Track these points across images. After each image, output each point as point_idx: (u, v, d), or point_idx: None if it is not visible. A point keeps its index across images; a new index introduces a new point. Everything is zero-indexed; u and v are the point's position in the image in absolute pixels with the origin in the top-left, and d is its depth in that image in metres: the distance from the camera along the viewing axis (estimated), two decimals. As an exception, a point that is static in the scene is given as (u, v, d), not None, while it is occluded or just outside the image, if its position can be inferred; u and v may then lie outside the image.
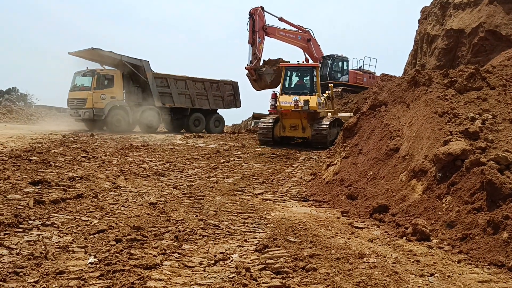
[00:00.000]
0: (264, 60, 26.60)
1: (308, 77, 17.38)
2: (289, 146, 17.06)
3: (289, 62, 24.51)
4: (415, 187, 6.14)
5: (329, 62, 28.06)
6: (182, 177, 9.40)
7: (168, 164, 11.02)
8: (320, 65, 20.75)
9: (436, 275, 3.94)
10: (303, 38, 28.37)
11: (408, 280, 3.79)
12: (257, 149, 15.77)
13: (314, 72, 17.13)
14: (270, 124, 17.06)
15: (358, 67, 30.62)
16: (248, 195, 7.66)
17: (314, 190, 7.98)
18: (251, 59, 25.91)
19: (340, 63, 28.59)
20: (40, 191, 6.80)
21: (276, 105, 16.61)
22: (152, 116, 23.39)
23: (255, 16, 25.79)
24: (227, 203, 6.90)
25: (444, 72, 7.94)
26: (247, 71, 26.56)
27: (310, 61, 28.81)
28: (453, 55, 15.64)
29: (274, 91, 17.37)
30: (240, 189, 8.14)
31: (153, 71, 23.66)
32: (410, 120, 7.42)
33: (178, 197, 7.20)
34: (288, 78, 17.82)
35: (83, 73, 22.74)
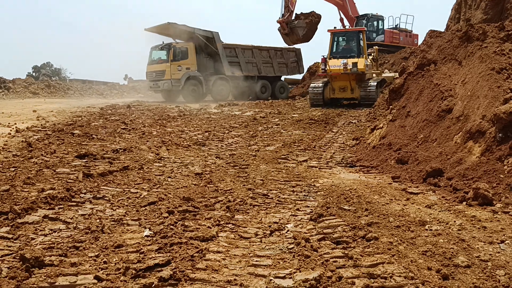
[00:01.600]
0: (296, 13, 25.93)
1: (355, 41, 18.33)
2: (335, 107, 17.66)
3: (320, 16, 24.34)
4: (472, 149, 5.82)
5: (364, 21, 27.08)
6: (222, 146, 9.33)
7: (207, 134, 10.97)
8: (365, 28, 20.97)
9: (507, 241, 3.70)
10: None
11: (478, 248, 3.57)
12: (294, 115, 15.53)
13: (360, 36, 18.16)
14: (320, 87, 18.20)
15: (394, 26, 29.49)
16: (292, 163, 7.50)
17: (359, 156, 7.73)
18: (283, 12, 25.34)
19: (375, 22, 27.62)
20: (86, 164, 6.86)
21: (326, 68, 17.60)
22: (223, 85, 24.99)
23: None
24: (272, 171, 6.77)
25: (499, 25, 7.39)
26: (278, 25, 25.91)
27: (345, 21, 27.92)
28: (501, 7, 14.66)
29: (323, 56, 18.32)
30: (283, 156, 7.99)
31: (223, 42, 24.86)
32: (464, 78, 6.99)
33: (222, 166, 7.12)
34: (335, 43, 18.79)
35: (160, 47, 24.13)
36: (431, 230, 4.01)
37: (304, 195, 5.36)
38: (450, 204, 4.93)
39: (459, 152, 5.96)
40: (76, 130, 10.74)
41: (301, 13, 26.10)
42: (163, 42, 24.50)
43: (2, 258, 3.32)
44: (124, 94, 34.51)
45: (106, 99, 28.52)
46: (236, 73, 25.25)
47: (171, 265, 3.24)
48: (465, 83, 6.92)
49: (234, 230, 4.09)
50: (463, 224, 4.18)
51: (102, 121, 13.20)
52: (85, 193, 5.24)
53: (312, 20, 25.64)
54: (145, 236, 3.89)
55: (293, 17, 25.65)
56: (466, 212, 4.56)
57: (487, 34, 7.34)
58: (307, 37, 25.96)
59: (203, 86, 24.23)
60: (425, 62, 8.04)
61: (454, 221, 4.25)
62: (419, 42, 28.79)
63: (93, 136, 9.96)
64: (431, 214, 4.54)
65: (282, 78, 28.54)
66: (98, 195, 5.19)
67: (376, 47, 19.96)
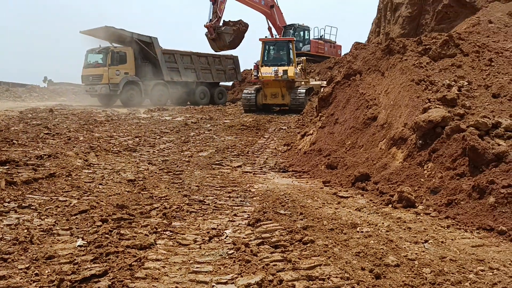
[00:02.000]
0: (224, 20, 26.24)
1: (285, 50, 19.51)
2: (266, 114, 18.50)
3: (248, 24, 25.08)
4: (396, 155, 6.22)
5: (291, 31, 27.89)
6: (154, 152, 9.16)
7: (137, 139, 10.72)
8: (295, 38, 22.20)
9: (430, 241, 4.01)
10: (267, 4, 28.05)
11: (405, 247, 3.83)
12: (225, 121, 15.61)
13: (290, 45, 19.43)
14: (253, 93, 19.20)
15: (319, 37, 30.64)
16: (227, 168, 7.55)
17: (291, 161, 7.95)
18: (211, 17, 25.60)
19: (301, 33, 28.54)
20: (8, 171, 6.41)
21: (258, 75, 18.80)
22: (162, 90, 25.08)
23: None
24: (207, 177, 6.77)
25: (417, 39, 7.98)
26: (206, 30, 26.05)
27: (273, 29, 28.59)
28: (417, 23, 15.81)
29: (255, 63, 19.64)
30: (217, 162, 8.01)
31: (162, 47, 24.95)
32: (386, 88, 7.46)
33: (155, 172, 7.00)
34: (266, 51, 19.86)
35: (97, 51, 23.81)
36: (362, 232, 4.24)
37: (241, 201, 5.43)
38: (378, 206, 5.23)
39: (384, 158, 6.34)
40: (-7, 134, 10.01)
41: (229, 20, 26.46)
42: (100, 45, 24.10)
43: None
44: (45, 98, 32.63)
45: (26, 102, 26.82)
46: (175, 78, 25.54)
47: (108, 275, 3.14)
48: (388, 93, 7.38)
49: (172, 237, 4.05)
50: (390, 225, 4.46)
51: (23, 126, 12.42)
52: (9, 202, 4.91)
53: (239, 28, 26.18)
54: (78, 246, 3.73)
55: (221, 23, 25.94)
56: (392, 214, 4.87)
57: (407, 47, 7.89)
58: (233, 44, 26.41)
59: (141, 91, 24.22)
60: (351, 72, 8.48)
61: (383, 223, 4.53)
62: (342, 53, 30.30)
63: (13, 141, 9.32)
64: (361, 216, 4.79)
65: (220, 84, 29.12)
66: (23, 204, 4.88)
67: (305, 58, 20.97)
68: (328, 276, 3.22)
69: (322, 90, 18.64)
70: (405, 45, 7.87)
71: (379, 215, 4.86)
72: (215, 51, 27.25)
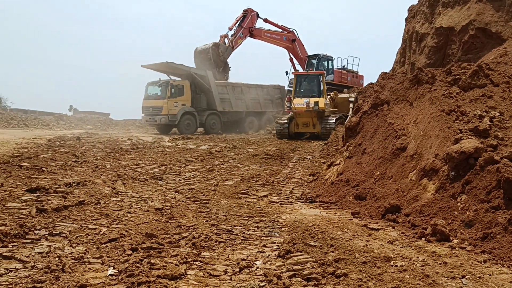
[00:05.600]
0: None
1: (315, 82, 20.93)
2: (293, 140, 19.71)
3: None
4: (427, 187, 6.08)
5: (314, 61, 28.12)
6: (180, 180, 9.20)
7: (163, 167, 10.80)
8: (325, 72, 23.11)
9: (467, 276, 3.86)
10: (288, 39, 28.57)
11: (442, 283, 3.70)
12: (249, 150, 15.64)
13: (320, 78, 20.89)
14: (286, 122, 20.86)
15: (342, 66, 30.77)
16: (253, 198, 7.50)
17: (318, 191, 7.86)
18: (226, 43, 26.82)
19: (325, 62, 28.72)
20: (39, 199, 6.53)
21: (291, 106, 20.38)
22: (215, 119, 27.28)
23: (248, 15, 26.53)
24: (234, 206, 6.73)
25: (447, 69, 7.92)
26: (212, 46, 26.85)
27: (295, 61, 28.95)
28: (443, 53, 15.75)
29: (289, 95, 21.15)
30: (243, 191, 7.98)
31: (215, 80, 26.87)
32: (415, 118, 7.38)
33: (182, 201, 7.00)
34: (298, 83, 21.36)
35: (158, 84, 26.11)
36: (396, 266, 4.11)
37: (269, 231, 5.36)
38: (410, 240, 5.09)
39: (415, 189, 6.20)
40: (24, 162, 10.25)
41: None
42: (159, 79, 26.41)
43: (-47, 302, 3.05)
44: (71, 126, 33.41)
45: (53, 130, 27.46)
46: (227, 108, 27.51)
47: (141, 306, 3.11)
48: (417, 123, 7.29)
49: (202, 268, 4.00)
50: (425, 260, 4.31)
51: (51, 153, 12.70)
52: (39, 230, 4.96)
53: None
54: (109, 275, 3.72)
55: (230, 53, 26.86)
56: (426, 248, 4.72)
57: (436, 77, 7.83)
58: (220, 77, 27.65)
59: (196, 120, 26.39)
60: (379, 102, 8.43)
61: (417, 257, 4.39)
62: (365, 83, 30.32)
63: (42, 168, 9.53)
64: (394, 250, 4.66)
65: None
66: (54, 232, 4.93)
67: (336, 91, 22.07)
68: (364, 312, 3.11)
69: (350, 111, 19.07)
70: (434, 75, 7.82)
71: (412, 249, 4.72)
72: (196, 65, 27.98)
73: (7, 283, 3.42)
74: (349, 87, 28.44)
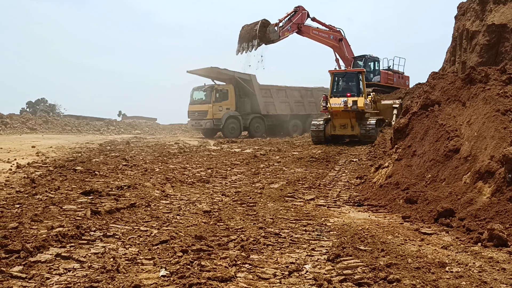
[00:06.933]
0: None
1: (354, 81, 19.09)
2: (335, 145, 18.13)
3: None
4: (482, 190, 5.83)
5: (361, 62, 27.66)
6: (226, 183, 9.28)
7: (210, 171, 10.94)
8: (365, 70, 21.55)
9: (529, 284, 3.66)
10: (335, 38, 28.22)
11: (502, 291, 3.53)
12: (294, 153, 15.58)
13: (360, 76, 18.97)
14: (322, 124, 18.85)
15: (387, 67, 30.10)
16: (300, 201, 7.45)
17: (366, 194, 7.71)
18: (275, 30, 25.89)
19: (371, 64, 28.18)
20: (92, 201, 6.78)
21: (327, 106, 18.38)
22: (259, 123, 27.40)
23: (299, 11, 26.33)
24: (281, 209, 6.72)
25: (501, 68, 7.57)
26: (262, 20, 25.61)
27: (341, 61, 28.57)
28: (496, 51, 15.08)
29: (325, 94, 19.08)
30: (290, 194, 7.95)
31: (259, 84, 27.00)
32: (469, 119, 7.10)
33: (229, 204, 7.06)
34: (336, 82, 19.56)
35: (203, 89, 26.56)
36: (451, 272, 3.96)
37: (317, 235, 5.30)
38: (466, 245, 4.88)
39: (469, 193, 5.96)
40: (78, 166, 10.68)
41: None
42: (204, 84, 26.77)
43: (18, 299, 3.22)
44: (121, 130, 34.55)
45: (104, 135, 28.52)
46: (271, 112, 27.53)
47: (193, 307, 3.15)
48: (470, 124, 7.01)
49: (251, 271, 4.01)
50: (482, 265, 4.13)
51: (103, 158, 13.17)
52: (94, 231, 5.15)
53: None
54: (162, 276, 3.80)
55: (275, 39, 26.18)
56: (483, 254, 4.52)
57: (489, 76, 7.51)
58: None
59: (241, 124, 26.68)
60: (429, 103, 8.17)
61: (474, 263, 4.21)
62: (411, 84, 29.50)
63: (95, 172, 9.90)
64: (449, 255, 4.50)
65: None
66: (108, 233, 5.10)
67: (374, 93, 20.56)
68: (420, 319, 3.01)
69: (394, 117, 18.29)
70: (488, 74, 7.50)
71: (468, 254, 4.53)
72: (238, 39, 26.65)
73: (66, 282, 3.56)
74: (395, 88, 27.76)
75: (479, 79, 7.49)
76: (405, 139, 8.16)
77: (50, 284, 3.53)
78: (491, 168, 5.87)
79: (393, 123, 16.13)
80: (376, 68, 28.16)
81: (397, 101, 20.03)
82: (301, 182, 9.45)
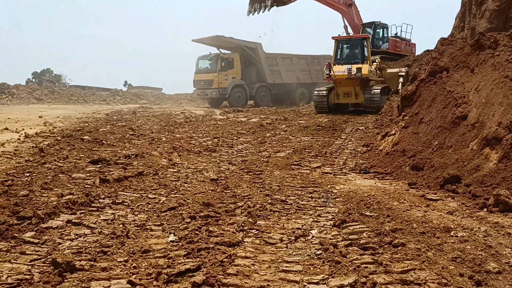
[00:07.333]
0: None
1: (359, 48, 18.49)
2: (342, 114, 17.79)
3: None
4: (489, 156, 5.82)
5: (370, 30, 27.13)
6: (233, 152, 9.32)
7: (216, 140, 10.98)
8: (370, 36, 21.05)
9: (534, 248, 3.69)
10: (345, 3, 27.56)
11: (505, 254, 3.56)
12: (300, 121, 15.54)
13: (364, 43, 18.38)
14: (325, 92, 18.40)
15: (394, 34, 29.57)
16: (306, 169, 7.49)
17: (373, 162, 7.73)
18: None
19: (380, 31, 27.61)
20: (101, 170, 6.86)
21: (330, 74, 17.82)
22: (265, 92, 27.28)
23: None
24: (287, 177, 6.76)
25: (510, 33, 7.42)
26: None
27: (349, 28, 28.06)
28: (506, 17, 14.71)
29: (328, 62, 18.55)
30: (296, 163, 7.98)
31: (265, 52, 26.72)
32: (477, 85, 7.01)
33: (236, 172, 7.11)
34: (339, 49, 18.97)
35: (208, 58, 26.41)
36: (457, 236, 4.00)
37: (323, 201, 5.35)
38: (471, 210, 4.92)
39: (476, 159, 5.96)
40: (85, 136, 10.75)
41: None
42: (210, 52, 26.71)
43: (32, 263, 3.30)
44: (127, 100, 34.54)
45: (110, 105, 28.54)
46: (277, 80, 27.27)
47: (202, 270, 3.23)
48: (478, 90, 6.93)
49: (258, 236, 4.08)
50: (487, 230, 4.17)
51: (110, 127, 13.23)
52: (103, 198, 5.23)
53: None
54: (170, 241, 3.88)
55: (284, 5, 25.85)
56: (488, 219, 4.55)
57: (499, 42, 7.37)
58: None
59: (247, 93, 26.60)
60: (437, 69, 8.06)
61: (479, 228, 4.25)
62: (417, 52, 29.05)
63: (102, 142, 9.96)
64: (454, 220, 4.54)
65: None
66: (117, 201, 5.18)
67: (380, 60, 19.98)
68: (424, 281, 3.07)
69: (400, 86, 18.01)
70: (497, 40, 7.35)
71: (473, 219, 4.57)
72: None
73: (77, 247, 3.65)
74: (402, 56, 27.35)
75: (488, 45, 7.36)
76: (413, 107, 8.10)
77: (62, 248, 3.61)
78: (498, 135, 5.84)
79: (400, 91, 15.95)
80: (385, 35, 27.63)
81: (403, 69, 19.58)
82: (307, 150, 9.47)
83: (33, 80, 50.95)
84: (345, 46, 19.19)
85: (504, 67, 6.78)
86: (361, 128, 13.25)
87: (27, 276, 3.06)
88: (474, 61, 7.57)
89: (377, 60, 19.43)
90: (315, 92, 18.92)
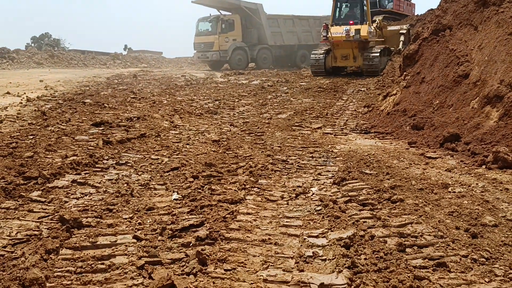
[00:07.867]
0: None
1: (358, 7, 17.56)
2: (343, 76, 17.45)
3: None
4: (490, 114, 5.83)
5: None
6: (234, 114, 9.34)
7: (217, 102, 10.97)
8: None
9: (530, 203, 3.77)
10: None
11: (502, 208, 3.65)
12: (301, 83, 15.46)
13: (364, 2, 17.32)
14: (322, 55, 17.63)
15: (394, -6, 28.95)
16: (307, 130, 7.53)
17: (373, 122, 7.75)
18: None
19: (384, -10, 27.02)
20: (104, 132, 6.91)
21: (327, 36, 17.03)
22: (266, 54, 26.76)
23: None
24: (288, 138, 6.81)
25: (517, -11, 7.26)
26: None
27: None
28: (513, -28, 14.39)
29: (325, 23, 17.60)
30: (297, 124, 8.01)
31: (266, 13, 26.21)
32: (480, 43, 6.94)
33: (238, 134, 7.16)
34: (338, 9, 18.09)
35: (209, 20, 25.92)
36: (454, 192, 4.08)
37: (324, 161, 5.42)
38: (470, 167, 4.98)
39: (477, 117, 5.98)
40: (87, 99, 10.74)
41: None
42: (210, 14, 26.23)
43: (40, 220, 3.40)
44: (127, 64, 34.23)
45: (110, 69, 28.29)
46: (278, 42, 26.85)
47: (205, 225, 3.32)
48: (481, 48, 6.87)
49: (260, 194, 4.17)
50: (485, 186, 4.24)
51: (111, 91, 13.19)
52: (107, 159, 5.31)
53: None
54: (174, 199, 3.97)
55: None
56: (486, 175, 4.63)
57: (504, -2, 7.23)
58: None
59: (248, 55, 26.01)
60: (440, 28, 7.95)
61: (477, 184, 4.32)
62: (416, 12, 28.62)
63: (104, 105, 9.96)
64: (452, 177, 4.61)
65: None
66: (120, 161, 5.26)
67: (380, 18, 19.34)
68: (420, 233, 3.16)
69: (401, 44, 17.68)
70: (502, -4, 7.21)
71: (472, 176, 4.64)
72: None
73: (84, 205, 3.75)
74: (405, 16, 26.90)
75: (493, 1, 7.22)
76: (414, 66, 8.04)
77: (68, 206, 3.71)
78: (500, 92, 5.83)
79: (401, 50, 15.70)
80: (390, -5, 27.10)
81: (404, 26, 19.04)
82: (308, 112, 9.48)
83: (32, 45, 50.32)
84: (344, 5, 18.20)
85: (508, 24, 6.69)
86: (362, 89, 13.19)
87: (36, 232, 3.16)
88: (478, 18, 7.45)
89: (377, 20, 18.68)
90: (312, 54, 18.23)
